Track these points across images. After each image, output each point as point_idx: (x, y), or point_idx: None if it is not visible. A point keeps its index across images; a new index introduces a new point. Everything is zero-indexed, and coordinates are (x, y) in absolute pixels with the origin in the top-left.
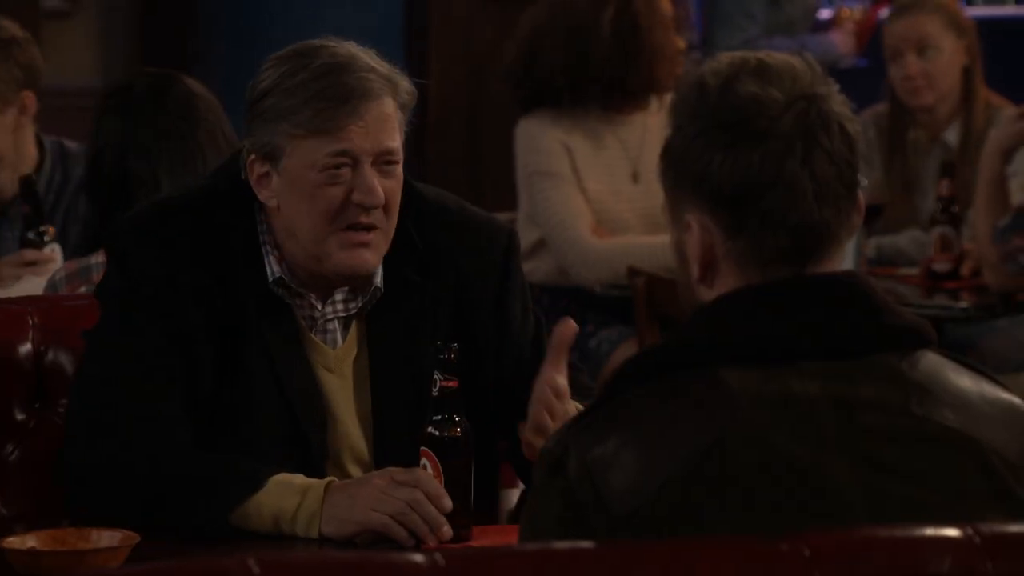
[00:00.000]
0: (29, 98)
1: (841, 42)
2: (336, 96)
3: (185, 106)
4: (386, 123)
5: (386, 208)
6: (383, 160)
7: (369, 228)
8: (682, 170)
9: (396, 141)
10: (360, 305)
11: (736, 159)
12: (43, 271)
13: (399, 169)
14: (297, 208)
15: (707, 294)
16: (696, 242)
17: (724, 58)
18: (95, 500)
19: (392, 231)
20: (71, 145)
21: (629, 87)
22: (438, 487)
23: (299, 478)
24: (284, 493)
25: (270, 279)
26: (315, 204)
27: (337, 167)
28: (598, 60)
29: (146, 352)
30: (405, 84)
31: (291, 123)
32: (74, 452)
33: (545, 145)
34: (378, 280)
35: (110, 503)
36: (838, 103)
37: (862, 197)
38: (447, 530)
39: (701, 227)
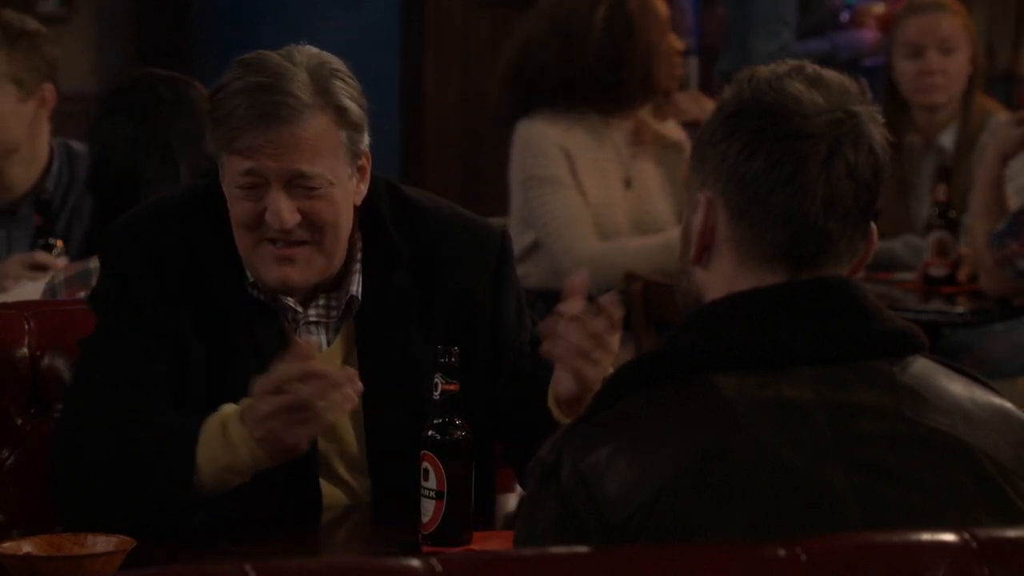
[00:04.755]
0: (50, 91)
1: (869, 40)
2: (247, 116)
3: (200, 108)
4: (299, 147)
5: (315, 226)
6: (300, 184)
7: (292, 244)
8: (708, 147)
9: (315, 165)
10: (339, 315)
11: (760, 146)
12: (45, 277)
13: (333, 191)
14: (231, 214)
15: (702, 277)
16: (701, 218)
17: (787, 62)
18: (82, 506)
19: (335, 247)
20: (77, 146)
21: (625, 87)
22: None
23: (213, 430)
24: (218, 456)
25: (250, 279)
26: (236, 214)
27: (250, 185)
28: (590, 61)
29: (137, 358)
30: (349, 105)
31: (213, 136)
32: (62, 458)
33: (544, 148)
34: (354, 289)
35: (96, 509)
36: (877, 129)
37: (875, 231)
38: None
39: (709, 205)
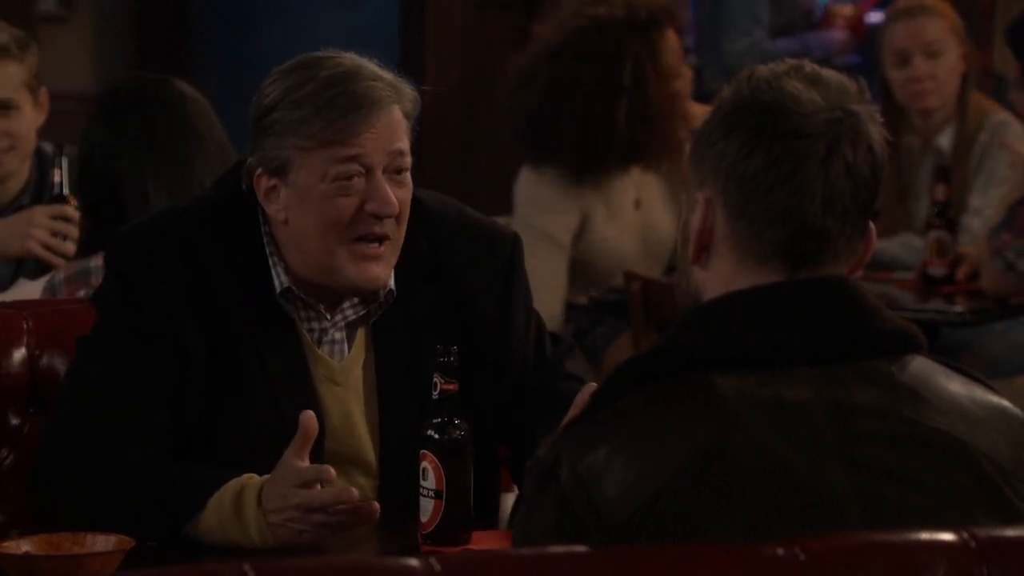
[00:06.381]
0: (45, 95)
1: (839, 39)
2: (345, 105)
3: (173, 111)
4: (396, 130)
5: (398, 218)
6: (395, 168)
7: (381, 239)
8: (707, 146)
9: (406, 150)
10: (371, 308)
11: (758, 144)
12: (70, 231)
13: (410, 178)
14: (306, 221)
15: (700, 276)
16: (699, 217)
17: (786, 62)
18: (53, 501)
19: (402, 241)
20: (46, 146)
21: (646, 148)
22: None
23: (228, 497)
24: (225, 522)
25: (278, 290)
26: (325, 215)
27: (349, 177)
28: (616, 128)
29: (134, 366)
30: (409, 92)
31: (300, 135)
32: (53, 459)
33: (552, 205)
34: (391, 283)
35: (82, 511)
36: (876, 128)
37: (874, 231)
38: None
39: (707, 204)
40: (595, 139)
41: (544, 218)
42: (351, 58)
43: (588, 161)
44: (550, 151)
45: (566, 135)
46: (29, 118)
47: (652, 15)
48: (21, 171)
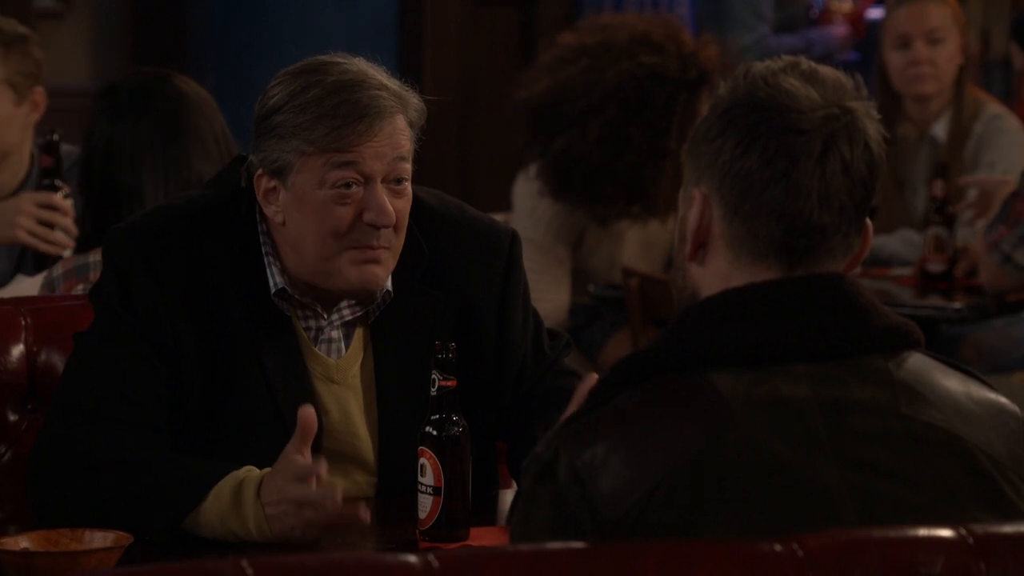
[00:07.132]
0: (40, 95)
1: (841, 36)
2: (349, 114)
3: (172, 110)
4: (398, 140)
5: (396, 227)
6: (394, 178)
7: (378, 246)
8: (703, 143)
9: (407, 160)
10: (369, 310)
11: (754, 141)
12: (57, 220)
13: (409, 187)
14: (304, 225)
15: (697, 273)
16: (695, 214)
17: (783, 58)
18: (49, 498)
19: (400, 248)
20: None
21: (673, 207)
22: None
23: (227, 490)
24: (224, 515)
25: (272, 290)
26: (323, 222)
27: (348, 185)
28: (660, 192)
29: (131, 363)
30: (415, 101)
31: (302, 140)
32: (42, 452)
33: (548, 222)
34: (388, 284)
35: (62, 503)
36: (872, 125)
37: (871, 227)
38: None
39: (704, 201)
40: (637, 200)
41: (550, 238)
42: (358, 64)
43: (618, 215)
44: (584, 197)
45: (612, 192)
46: (6, 115)
47: (703, 74)
48: (17, 166)
